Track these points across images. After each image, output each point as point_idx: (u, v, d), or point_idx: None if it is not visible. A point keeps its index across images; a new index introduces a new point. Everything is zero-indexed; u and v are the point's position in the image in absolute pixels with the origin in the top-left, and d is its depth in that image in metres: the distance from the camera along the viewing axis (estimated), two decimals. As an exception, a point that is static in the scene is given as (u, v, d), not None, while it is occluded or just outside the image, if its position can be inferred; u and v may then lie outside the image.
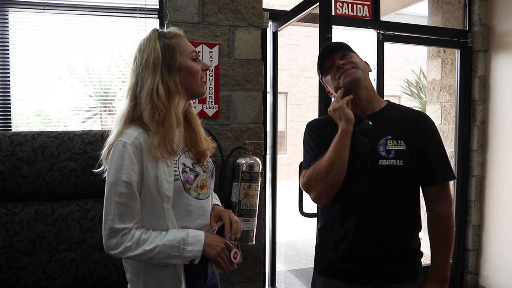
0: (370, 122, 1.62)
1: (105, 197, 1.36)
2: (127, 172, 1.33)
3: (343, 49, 1.68)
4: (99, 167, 1.47)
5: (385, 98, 1.80)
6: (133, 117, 1.40)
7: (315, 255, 1.79)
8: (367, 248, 1.59)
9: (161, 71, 1.38)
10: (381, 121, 1.64)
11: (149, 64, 1.38)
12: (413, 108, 1.82)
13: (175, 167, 1.41)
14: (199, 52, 2.51)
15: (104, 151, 1.43)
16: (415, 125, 1.63)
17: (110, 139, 1.41)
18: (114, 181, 1.34)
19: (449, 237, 1.65)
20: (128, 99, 1.41)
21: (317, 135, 1.73)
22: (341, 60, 1.65)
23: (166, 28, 2.53)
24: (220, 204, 1.67)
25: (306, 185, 1.65)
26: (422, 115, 1.70)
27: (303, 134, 1.81)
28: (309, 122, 1.83)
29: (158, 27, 2.69)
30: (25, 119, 2.81)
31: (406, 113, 1.69)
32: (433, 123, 1.69)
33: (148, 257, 1.35)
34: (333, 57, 1.67)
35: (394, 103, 1.76)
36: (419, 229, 1.68)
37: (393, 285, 1.60)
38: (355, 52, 1.71)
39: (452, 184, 3.52)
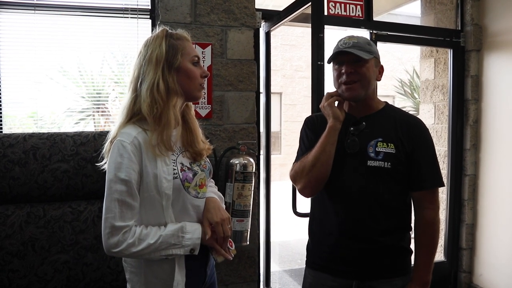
0: (364, 123, 1.65)
1: (105, 195, 1.36)
2: (126, 171, 1.34)
3: (361, 50, 1.60)
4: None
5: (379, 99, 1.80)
6: (133, 111, 1.42)
7: (306, 249, 1.84)
8: (353, 244, 1.63)
9: (163, 68, 1.42)
10: (374, 123, 1.67)
11: (152, 59, 1.41)
12: (409, 111, 1.81)
13: (173, 165, 1.42)
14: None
15: (106, 145, 1.45)
16: (407, 129, 1.65)
17: (112, 133, 1.44)
18: (113, 180, 1.35)
19: (433, 242, 1.67)
20: (130, 92, 1.45)
21: (311, 130, 1.78)
22: (351, 67, 1.61)
23: (158, 28, 2.52)
24: (216, 194, 1.64)
25: (293, 177, 1.73)
26: (416, 120, 1.71)
27: (298, 133, 1.85)
28: (307, 117, 1.88)
29: (150, 28, 2.70)
30: (18, 121, 2.79)
31: (401, 116, 1.70)
32: (427, 129, 1.70)
33: (151, 250, 1.36)
34: (348, 56, 1.61)
35: (391, 106, 1.77)
36: (408, 229, 1.71)
37: (380, 280, 1.64)
38: (374, 55, 1.64)
39: (445, 183, 3.53)
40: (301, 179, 1.67)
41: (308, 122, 1.84)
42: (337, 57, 1.65)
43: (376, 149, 1.61)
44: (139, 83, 1.42)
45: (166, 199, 1.39)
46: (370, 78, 1.64)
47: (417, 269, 1.65)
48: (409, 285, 1.65)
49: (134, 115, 1.43)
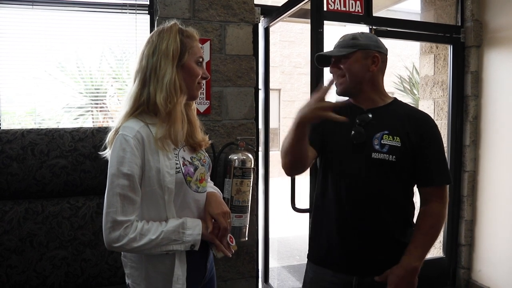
0: (370, 115, 1.64)
1: (106, 190, 1.36)
2: (129, 165, 1.34)
3: (343, 47, 1.65)
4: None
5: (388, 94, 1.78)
6: (140, 101, 1.42)
7: (308, 242, 1.83)
8: (354, 238, 1.61)
9: (177, 64, 1.42)
10: (381, 116, 1.65)
11: (169, 53, 1.41)
12: (419, 108, 1.78)
13: (176, 160, 1.42)
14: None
15: (110, 134, 1.45)
16: (415, 124, 1.62)
17: (116, 123, 1.44)
18: (116, 174, 1.34)
19: (433, 231, 1.61)
20: (137, 81, 1.43)
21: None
22: (334, 67, 1.67)
23: (156, 24, 2.52)
24: (215, 189, 1.66)
25: (280, 155, 1.70)
26: (424, 115, 1.68)
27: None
28: None
29: (149, 23, 2.69)
30: (17, 117, 2.78)
31: (409, 111, 1.68)
32: (436, 125, 1.66)
33: (153, 246, 1.36)
34: (334, 57, 1.67)
35: (400, 101, 1.75)
36: (411, 225, 1.67)
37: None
38: (359, 47, 1.63)
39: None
40: (282, 159, 1.65)
41: None
42: (329, 59, 1.71)
43: (382, 142, 1.59)
44: (147, 74, 1.41)
45: (169, 193, 1.39)
46: (357, 71, 1.64)
47: (407, 253, 1.57)
48: (395, 268, 1.57)
49: (139, 106, 1.42)
